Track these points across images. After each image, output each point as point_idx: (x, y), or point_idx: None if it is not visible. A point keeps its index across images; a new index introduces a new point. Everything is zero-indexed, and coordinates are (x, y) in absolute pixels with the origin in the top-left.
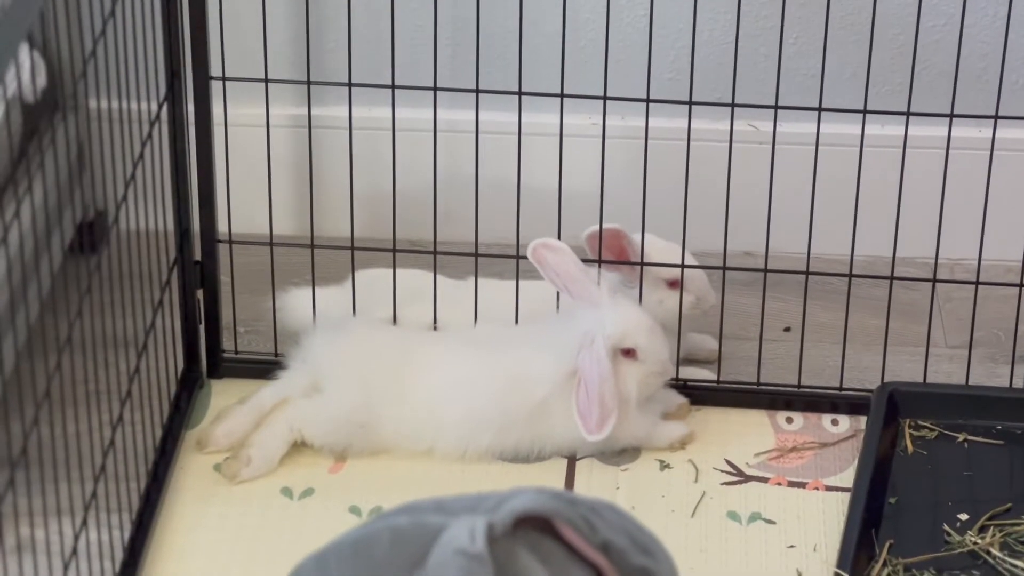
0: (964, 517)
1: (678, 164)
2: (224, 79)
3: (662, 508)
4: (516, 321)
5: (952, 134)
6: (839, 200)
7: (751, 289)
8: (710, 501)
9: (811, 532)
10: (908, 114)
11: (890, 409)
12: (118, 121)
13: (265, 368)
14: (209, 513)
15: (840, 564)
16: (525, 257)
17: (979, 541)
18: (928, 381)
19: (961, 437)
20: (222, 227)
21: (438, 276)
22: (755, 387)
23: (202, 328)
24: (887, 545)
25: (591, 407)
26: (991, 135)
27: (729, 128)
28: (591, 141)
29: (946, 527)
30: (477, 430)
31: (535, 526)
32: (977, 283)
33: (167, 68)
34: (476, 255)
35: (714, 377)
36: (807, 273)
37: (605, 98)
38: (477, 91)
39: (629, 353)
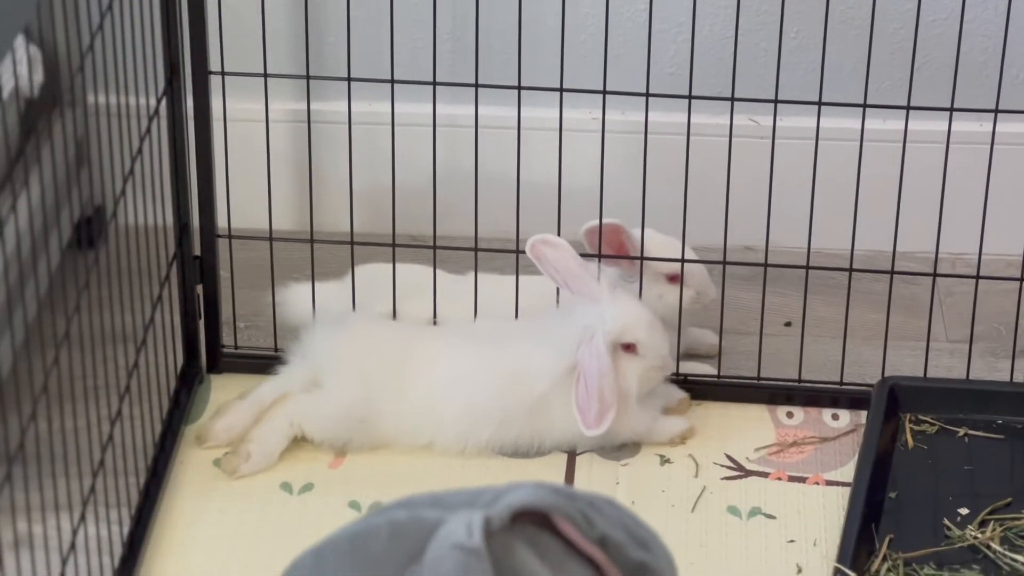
0: (964, 511)
1: (678, 159)
2: (223, 74)
3: (662, 503)
4: (516, 316)
5: (952, 128)
6: (839, 194)
7: (751, 284)
8: (710, 496)
9: (811, 527)
10: (908, 108)
11: (891, 404)
12: (116, 116)
13: (265, 363)
14: (209, 508)
15: (840, 559)
16: (525, 252)
17: (979, 535)
18: (929, 376)
19: (962, 431)
20: (222, 222)
21: (438, 271)
22: (755, 382)
23: (202, 323)
24: (887, 540)
25: (590, 402)
26: (991, 129)
27: (729, 122)
28: (591, 136)
29: (946, 521)
30: (477, 425)
31: (533, 521)
32: (978, 277)
33: (166, 63)
34: (476, 250)
35: (714, 372)
36: (807, 268)
37: (605, 92)
38: (476, 85)
39: (629, 348)
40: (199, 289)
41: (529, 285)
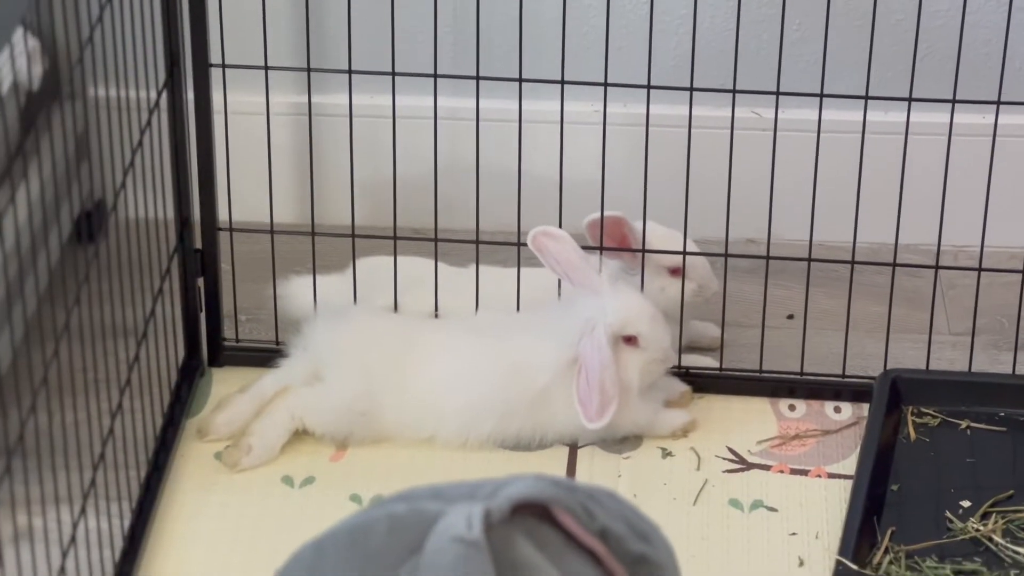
0: (966, 504)
1: (680, 151)
2: (224, 66)
3: (664, 496)
4: (517, 309)
5: (955, 120)
6: (841, 187)
7: (753, 276)
8: (712, 489)
9: (813, 520)
10: (910, 100)
11: (893, 396)
12: (117, 109)
13: (266, 356)
14: (210, 501)
15: (842, 551)
16: (526, 244)
17: (981, 528)
18: (931, 368)
19: (964, 424)
20: (223, 215)
21: (439, 264)
22: (757, 375)
23: (203, 316)
24: (889, 532)
25: (592, 395)
26: (994, 121)
27: (731, 115)
28: (592, 128)
29: (948, 514)
30: (478, 418)
31: (533, 513)
32: (980, 270)
33: (166, 55)
34: (477, 242)
35: (716, 365)
36: (809, 260)
37: (606, 85)
38: (478, 78)
39: (630, 341)
40: (200, 282)
41: (531, 278)
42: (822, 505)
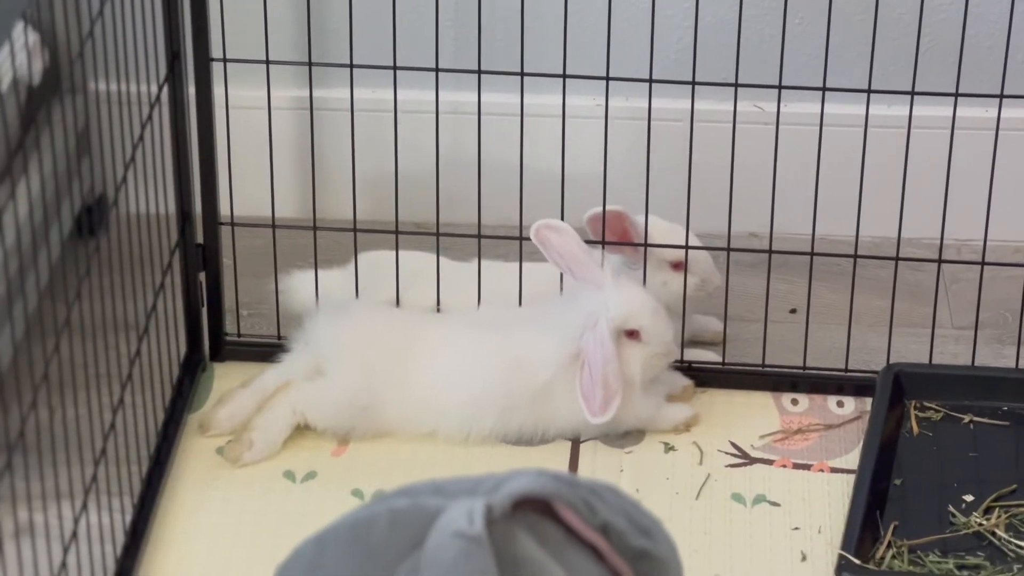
0: (969, 498)
1: (682, 145)
2: (225, 60)
3: (666, 490)
4: (519, 303)
5: (958, 114)
6: (844, 181)
7: (756, 270)
8: (714, 483)
9: (816, 514)
10: (913, 94)
11: (896, 390)
12: (117, 103)
13: (268, 351)
14: (211, 496)
15: (845, 546)
16: (528, 239)
17: (984, 522)
18: (934, 362)
19: (967, 418)
20: (224, 210)
21: (441, 258)
22: (760, 369)
23: (204, 311)
24: (892, 527)
25: (595, 389)
26: (997, 115)
27: (733, 108)
28: (594, 122)
29: (951, 508)
30: (480, 413)
31: (534, 508)
32: (983, 264)
33: (167, 49)
34: (479, 237)
35: (719, 359)
36: (812, 254)
37: (608, 79)
38: (479, 72)
39: (633, 335)
40: (202, 277)
41: (533, 272)
42: (825, 500)
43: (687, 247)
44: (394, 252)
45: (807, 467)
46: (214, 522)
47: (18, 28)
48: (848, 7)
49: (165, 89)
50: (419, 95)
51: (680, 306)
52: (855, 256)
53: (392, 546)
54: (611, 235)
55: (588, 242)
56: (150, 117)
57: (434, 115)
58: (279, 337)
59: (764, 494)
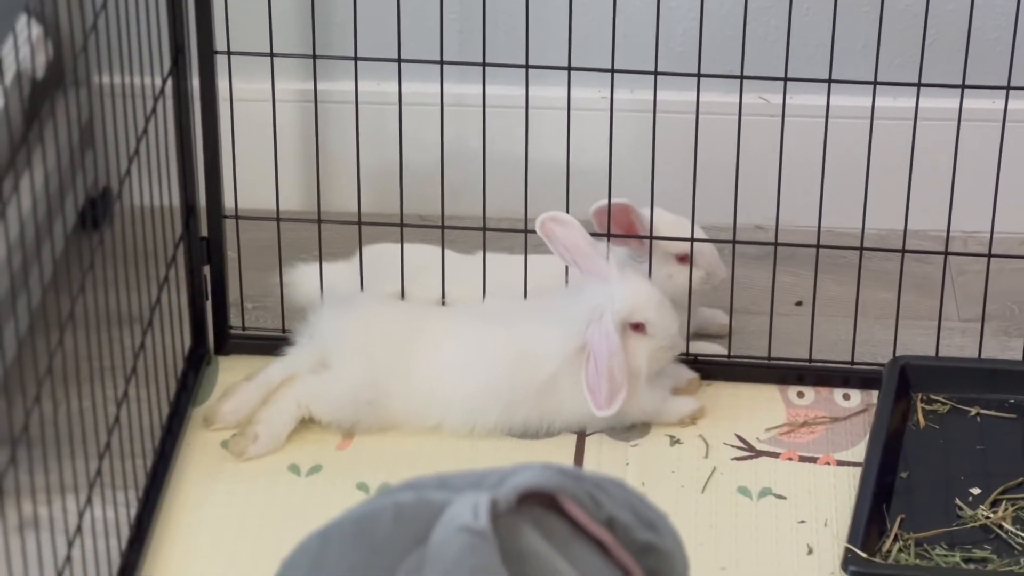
0: (976, 491)
1: (687, 137)
2: (229, 53)
3: (672, 484)
4: (525, 296)
5: (964, 105)
6: (850, 173)
7: (762, 263)
8: (720, 476)
9: (822, 507)
10: (919, 85)
11: (902, 383)
12: (121, 96)
13: (272, 344)
14: (216, 490)
15: (851, 539)
16: (533, 231)
17: (991, 515)
18: (940, 355)
19: (973, 411)
20: (228, 203)
21: (446, 251)
22: (766, 361)
23: (209, 304)
24: (898, 520)
25: (600, 382)
26: (1003, 106)
27: (738, 101)
28: (600, 115)
29: (958, 501)
30: (485, 406)
31: (539, 502)
32: (990, 256)
33: (171, 42)
34: (484, 229)
35: (724, 352)
36: (818, 247)
37: (613, 71)
38: (484, 64)
39: (638, 328)
40: (206, 270)
41: (538, 265)
42: (831, 492)
43: (692, 240)
44: (399, 245)
45: (813, 460)
46: (219, 515)
47: (22, 21)
48: None
49: (169, 82)
50: (423, 88)
51: (686, 299)
52: (861, 248)
53: (397, 540)
54: (616, 228)
55: (593, 235)
56: (154, 110)
57: (438, 108)
58: (284, 330)
59: (770, 487)
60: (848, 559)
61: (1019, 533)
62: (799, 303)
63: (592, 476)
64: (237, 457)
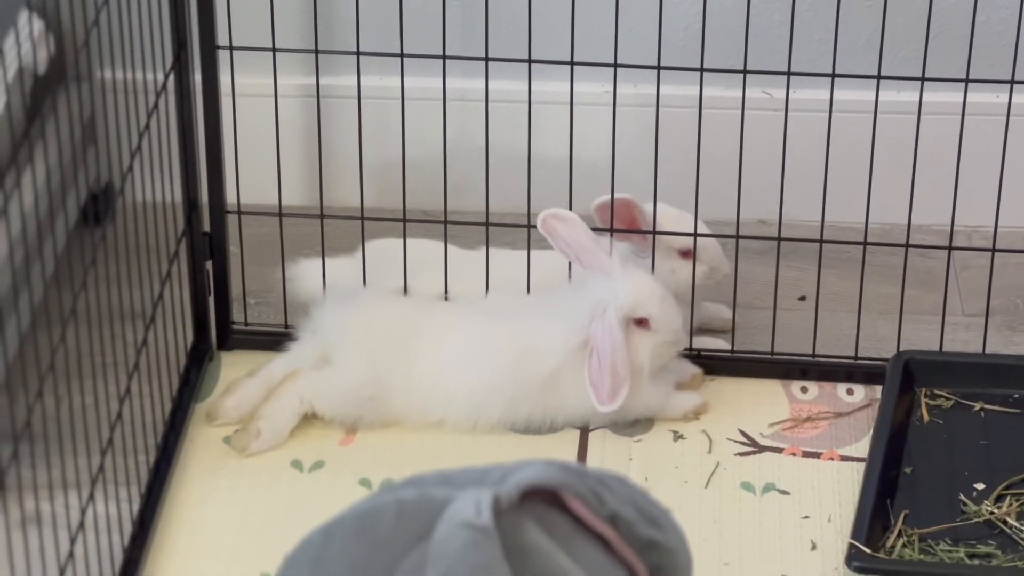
0: (980, 486)
1: (690, 132)
2: (231, 48)
3: (675, 479)
4: (528, 291)
5: (968, 100)
6: (854, 167)
7: (765, 258)
8: (724, 472)
9: (826, 502)
10: (923, 79)
11: (906, 378)
12: (123, 91)
13: (275, 340)
14: (219, 486)
15: (855, 535)
16: (536, 227)
17: (996, 511)
18: (944, 350)
19: (978, 406)
20: (231, 198)
21: (449, 246)
22: (769, 356)
23: (211, 300)
24: (902, 515)
25: (603, 377)
26: (1007, 100)
27: (742, 95)
28: (603, 109)
29: (962, 497)
30: (488, 401)
31: (542, 499)
32: (994, 250)
33: (173, 37)
34: (487, 224)
35: (728, 347)
36: (821, 241)
37: (616, 65)
38: (487, 59)
39: (641, 323)
40: (208, 265)
41: (541, 260)
42: (835, 488)
43: (696, 234)
44: (401, 240)
45: (817, 455)
46: (221, 512)
47: (23, 17)
48: None
49: (171, 77)
50: (426, 82)
51: (689, 294)
52: (865, 243)
53: (399, 537)
54: (619, 223)
55: (596, 230)
56: (156, 105)
57: (441, 103)
58: (286, 326)
59: (773, 482)
60: (852, 555)
61: (1023, 528)
62: (802, 298)
63: (595, 472)
64: (240, 453)
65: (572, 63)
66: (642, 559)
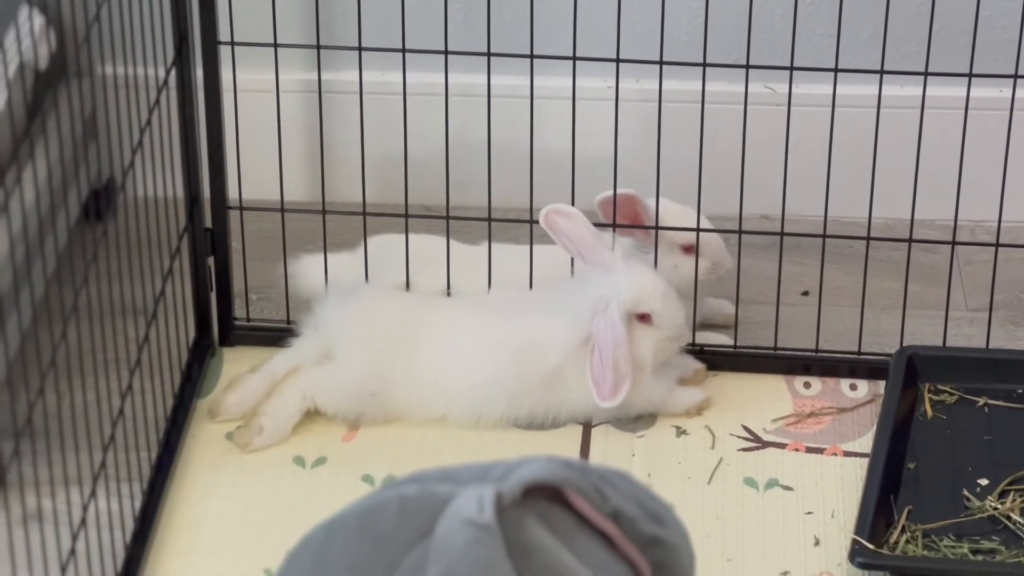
0: (984, 482)
1: (693, 127)
2: (233, 44)
3: (678, 475)
4: (530, 287)
5: (971, 94)
6: (857, 162)
7: (768, 253)
8: (727, 468)
9: (829, 498)
10: (926, 74)
11: (909, 373)
12: (125, 87)
13: (277, 336)
14: (221, 482)
15: (858, 530)
16: (538, 222)
17: (999, 506)
18: (948, 345)
19: (981, 401)
20: (232, 194)
21: (451, 241)
22: (772, 352)
23: (213, 295)
24: (906, 511)
25: (605, 373)
26: (1011, 95)
27: (744, 90)
28: (605, 104)
29: (966, 492)
30: (490, 397)
31: (545, 495)
32: (997, 245)
33: (174, 33)
34: (489, 220)
35: (731, 342)
36: (824, 236)
37: (618, 60)
38: (489, 54)
39: (644, 318)
40: (210, 261)
41: (543, 255)
42: (838, 484)
43: (698, 230)
44: (404, 236)
45: (820, 451)
46: (223, 508)
47: (24, 12)
48: None
49: (172, 73)
50: (428, 78)
51: (692, 289)
52: (868, 238)
53: (401, 534)
54: (622, 218)
55: (599, 225)
56: (157, 101)
57: (443, 98)
58: (288, 322)
59: (777, 478)
60: (855, 550)
61: None
62: (806, 293)
63: (598, 468)
64: (242, 449)
65: (574, 58)
66: (645, 556)
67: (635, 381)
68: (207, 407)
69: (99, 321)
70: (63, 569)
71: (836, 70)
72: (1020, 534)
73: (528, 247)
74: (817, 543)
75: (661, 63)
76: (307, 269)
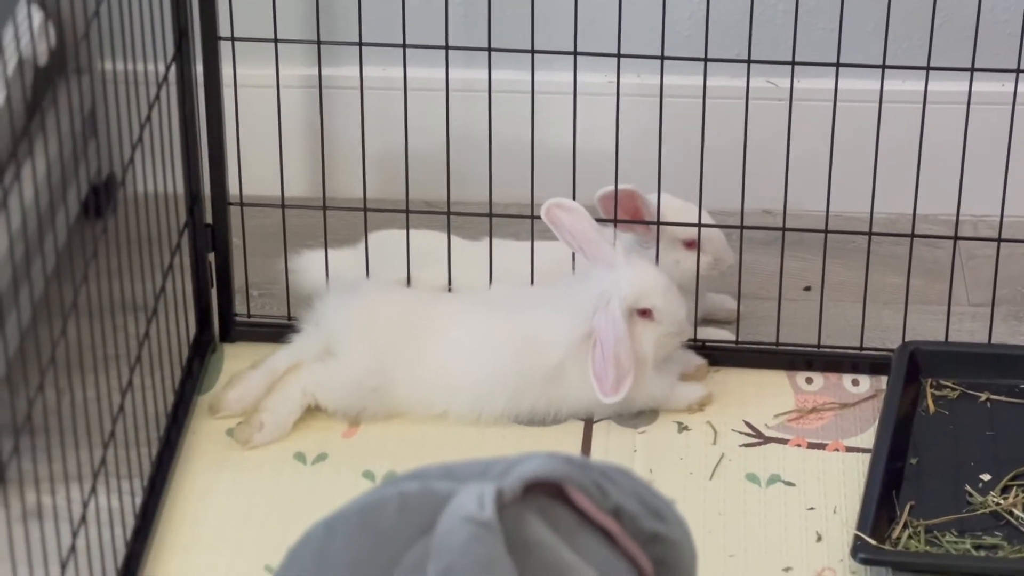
0: (986, 477)
1: (694, 122)
2: (233, 39)
3: (680, 470)
4: (531, 282)
5: (973, 89)
6: (858, 157)
7: (770, 248)
8: (729, 463)
9: (831, 494)
10: (928, 69)
11: (911, 369)
12: (125, 83)
13: (278, 332)
14: (222, 478)
15: (860, 526)
16: (540, 217)
17: (1002, 502)
18: (950, 340)
19: (983, 396)
20: (233, 189)
21: (452, 237)
22: (774, 347)
23: (214, 292)
24: (908, 506)
25: (607, 369)
26: (1013, 89)
27: (746, 85)
28: (606, 99)
29: (968, 488)
30: (492, 393)
31: (545, 492)
32: (999, 240)
33: (174, 28)
34: (490, 215)
35: (732, 337)
36: (826, 232)
37: (619, 55)
38: (489, 49)
39: (645, 314)
40: (211, 257)
41: (544, 251)
42: (840, 479)
43: (700, 225)
44: (404, 231)
45: (822, 446)
46: (224, 504)
47: (23, 8)
48: None
49: (172, 68)
50: (429, 73)
51: (693, 284)
52: (870, 233)
53: (402, 530)
54: (623, 214)
55: (600, 220)
56: (158, 97)
57: (444, 93)
58: (289, 318)
59: (779, 474)
60: (857, 546)
61: None
62: (807, 288)
63: (598, 465)
64: (242, 445)
65: (575, 53)
66: (646, 552)
67: (637, 377)
68: (208, 403)
69: (99, 317)
70: (63, 566)
71: (838, 65)
72: (1023, 529)
73: (529, 243)
74: (819, 539)
75: (662, 58)
76: (308, 265)
